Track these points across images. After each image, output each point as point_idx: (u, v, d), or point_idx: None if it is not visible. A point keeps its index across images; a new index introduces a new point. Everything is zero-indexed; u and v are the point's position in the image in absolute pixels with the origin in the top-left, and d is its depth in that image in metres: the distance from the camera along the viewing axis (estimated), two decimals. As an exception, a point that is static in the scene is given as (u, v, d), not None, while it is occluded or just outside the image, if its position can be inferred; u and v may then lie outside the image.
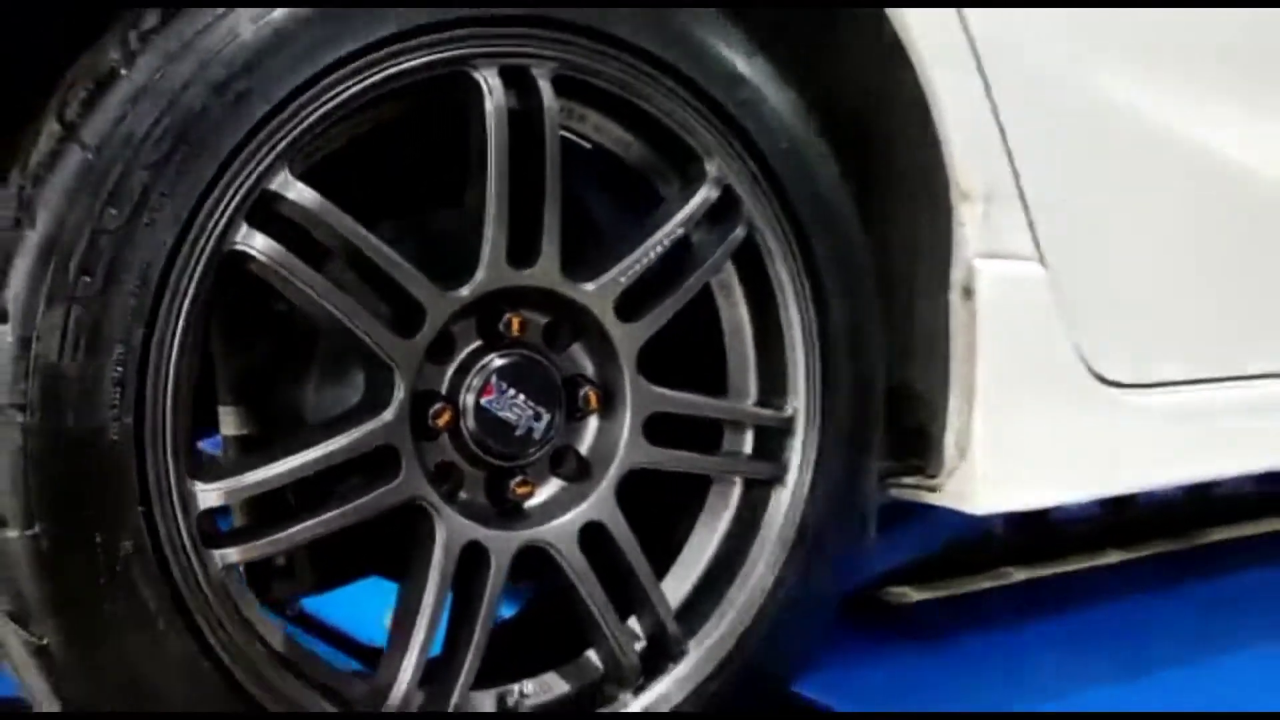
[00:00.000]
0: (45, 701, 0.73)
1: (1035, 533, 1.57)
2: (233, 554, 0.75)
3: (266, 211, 0.75)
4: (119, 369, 0.70)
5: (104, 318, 0.70)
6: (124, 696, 0.72)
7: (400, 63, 0.78)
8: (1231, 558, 1.71)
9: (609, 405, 0.90)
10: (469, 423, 0.84)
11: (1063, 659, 1.27)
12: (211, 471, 0.76)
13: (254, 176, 0.74)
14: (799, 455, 0.96)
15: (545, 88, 0.83)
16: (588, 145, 0.90)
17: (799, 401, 0.95)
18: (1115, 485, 1.12)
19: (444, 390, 0.84)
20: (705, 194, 0.90)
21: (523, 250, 0.84)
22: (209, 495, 0.75)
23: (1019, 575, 1.60)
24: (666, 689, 0.91)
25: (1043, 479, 1.07)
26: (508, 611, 1.04)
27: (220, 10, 0.73)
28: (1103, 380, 1.09)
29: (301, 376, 0.85)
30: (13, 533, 0.70)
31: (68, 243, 0.69)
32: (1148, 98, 1.12)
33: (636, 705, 0.90)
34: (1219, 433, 1.20)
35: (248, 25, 0.73)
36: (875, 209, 1.01)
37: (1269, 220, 1.24)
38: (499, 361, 0.85)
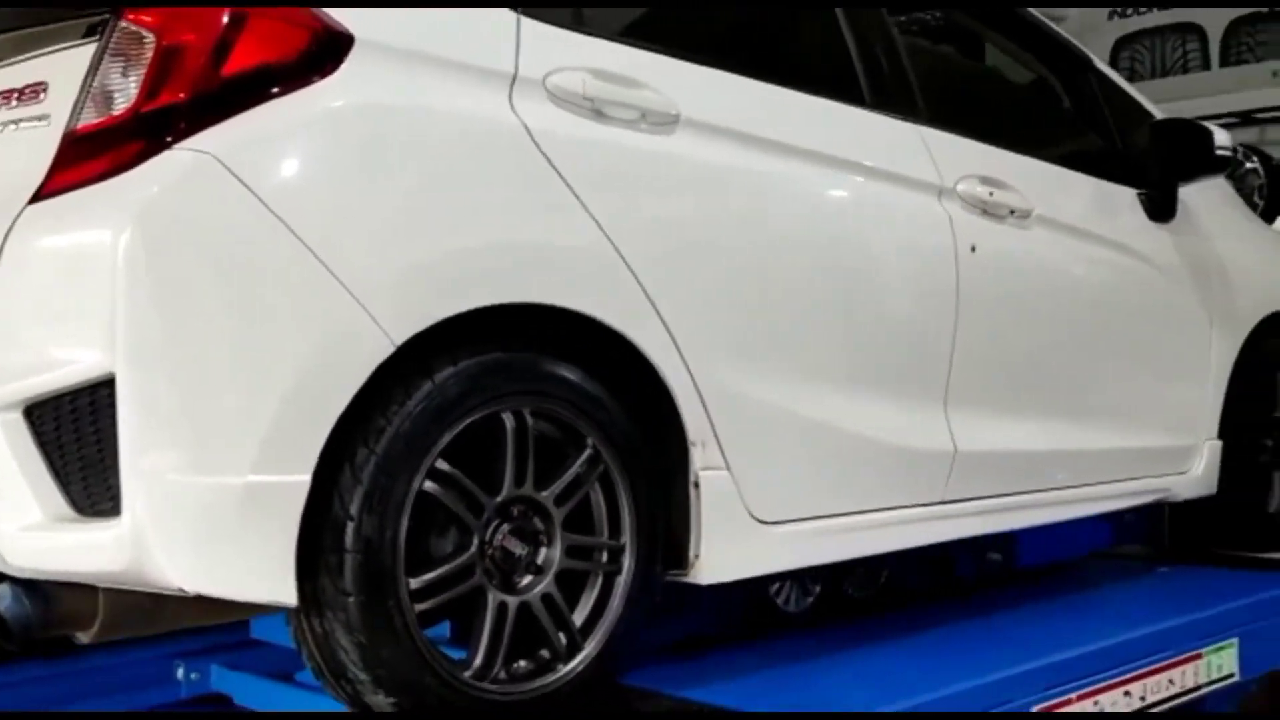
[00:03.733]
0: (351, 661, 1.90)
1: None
2: (420, 606, 1.95)
3: (434, 473, 1.97)
4: (394, 535, 1.89)
5: (383, 523, 1.89)
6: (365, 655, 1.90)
7: (475, 417, 2.00)
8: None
9: (550, 542, 2.13)
10: (498, 553, 2.06)
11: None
12: (412, 573, 1.95)
13: (432, 462, 1.95)
14: (628, 561, 2.20)
15: (528, 417, 2.08)
16: (535, 433, 2.15)
17: (626, 537, 2.21)
18: (767, 569, 2.42)
19: (489, 538, 2.06)
20: (588, 453, 2.15)
21: (519, 480, 2.07)
22: (412, 582, 1.94)
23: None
24: (579, 661, 2.13)
25: (734, 567, 2.36)
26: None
27: (407, 410, 1.94)
28: (758, 520, 2.39)
29: (427, 533, 2.05)
30: (353, 598, 1.87)
31: (366, 512, 1.89)
32: (784, 392, 2.44)
33: (568, 669, 2.12)
34: (821, 540, 2.52)
35: (421, 407, 1.95)
36: (660, 447, 2.29)
37: (855, 451, 2.57)
38: (508, 526, 2.07)
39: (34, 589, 1.96)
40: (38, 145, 1.85)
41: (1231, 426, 3.52)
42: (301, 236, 1.80)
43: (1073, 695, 2.54)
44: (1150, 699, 2.73)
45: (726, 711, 2.21)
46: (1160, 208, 3.35)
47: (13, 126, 1.91)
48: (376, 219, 1.89)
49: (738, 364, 2.36)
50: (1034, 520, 3.04)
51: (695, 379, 2.27)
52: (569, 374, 2.13)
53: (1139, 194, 3.34)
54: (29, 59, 1.94)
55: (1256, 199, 7.89)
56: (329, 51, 1.90)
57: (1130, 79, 9.34)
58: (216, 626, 2.98)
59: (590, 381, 2.16)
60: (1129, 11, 9.15)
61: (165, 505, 1.75)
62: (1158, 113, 3.52)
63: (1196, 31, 8.89)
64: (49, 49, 1.92)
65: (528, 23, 2.16)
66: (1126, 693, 2.67)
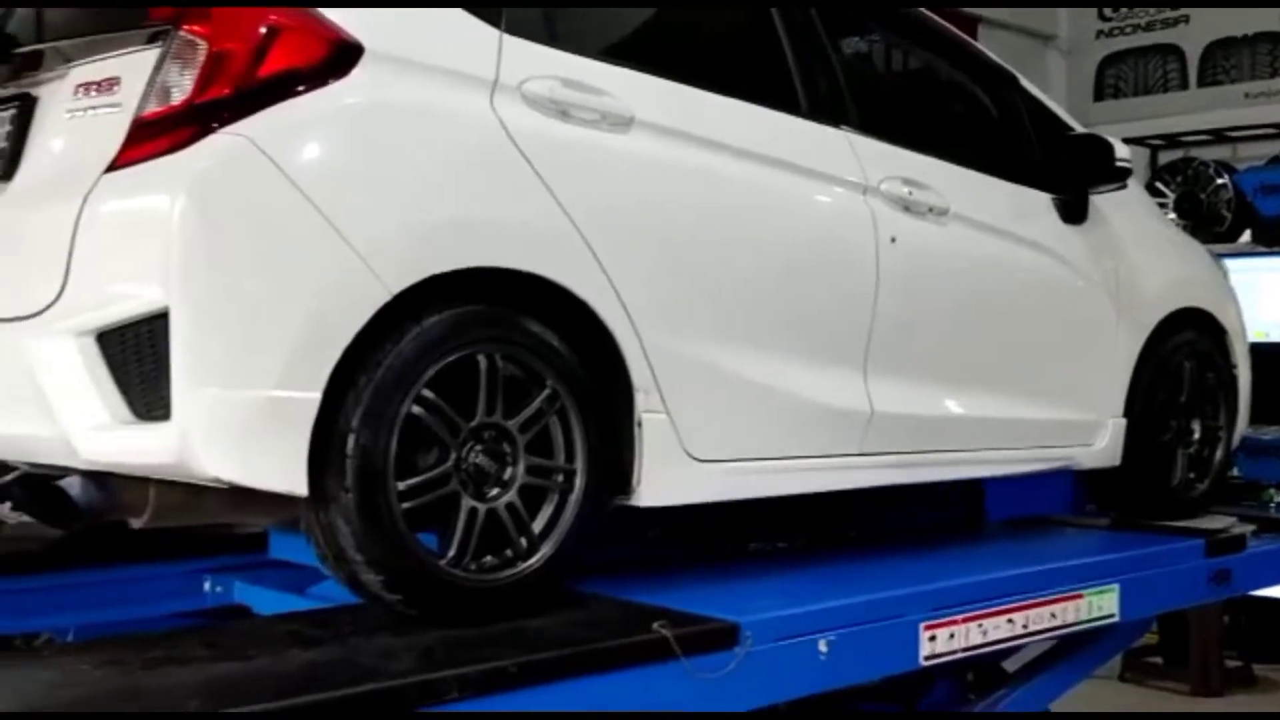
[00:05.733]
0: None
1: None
2: (407, 505, 2.43)
3: (420, 399, 2.44)
4: (386, 446, 2.37)
5: (377, 436, 2.37)
6: (359, 540, 2.38)
7: (454, 356, 2.47)
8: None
9: (514, 462, 2.60)
10: (471, 467, 2.53)
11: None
12: (400, 476, 2.42)
13: (418, 390, 2.43)
14: (579, 482, 2.67)
15: (498, 359, 2.55)
16: (505, 374, 2.62)
17: (579, 463, 2.68)
18: (696, 498, 2.89)
19: (464, 454, 2.53)
20: (547, 391, 2.62)
21: (489, 410, 2.55)
22: (400, 485, 2.42)
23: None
24: (536, 560, 2.61)
25: (670, 494, 2.84)
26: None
27: (399, 348, 2.41)
28: (692, 457, 2.86)
29: (414, 449, 2.52)
30: (351, 494, 2.35)
31: (364, 426, 2.37)
32: (718, 352, 2.91)
33: (526, 566, 2.60)
34: (747, 478, 3.00)
35: (411, 345, 2.43)
36: (610, 391, 2.76)
37: (781, 406, 3.04)
38: (480, 446, 2.55)
39: (99, 480, 2.44)
40: (111, 127, 2.34)
41: (1139, 408, 3.98)
42: (317, 204, 2.29)
43: (958, 617, 3.01)
44: (1032, 627, 3.20)
45: (649, 608, 2.67)
46: (1073, 211, 3.81)
47: (92, 112, 2.39)
48: (379, 194, 2.38)
49: (679, 327, 2.83)
50: (945, 475, 3.52)
51: (640, 337, 2.74)
52: (534, 327, 2.60)
53: (1054, 199, 3.80)
54: (106, 58, 2.42)
55: (1225, 212, 8.35)
56: (344, 58, 2.38)
57: (1115, 96, 9.84)
58: (239, 547, 3.49)
59: (552, 334, 2.63)
60: (1114, 32, 9.61)
61: (207, 412, 2.24)
62: (1078, 127, 3.98)
63: (1176, 53, 9.35)
64: (121, 51, 2.41)
65: (509, 39, 2.64)
66: (1010, 620, 3.13)
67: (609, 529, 2.83)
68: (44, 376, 2.32)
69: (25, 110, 2.51)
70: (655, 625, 2.48)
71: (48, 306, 2.32)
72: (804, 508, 3.42)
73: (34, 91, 2.53)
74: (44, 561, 3.31)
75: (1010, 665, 3.72)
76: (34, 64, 2.56)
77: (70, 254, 2.30)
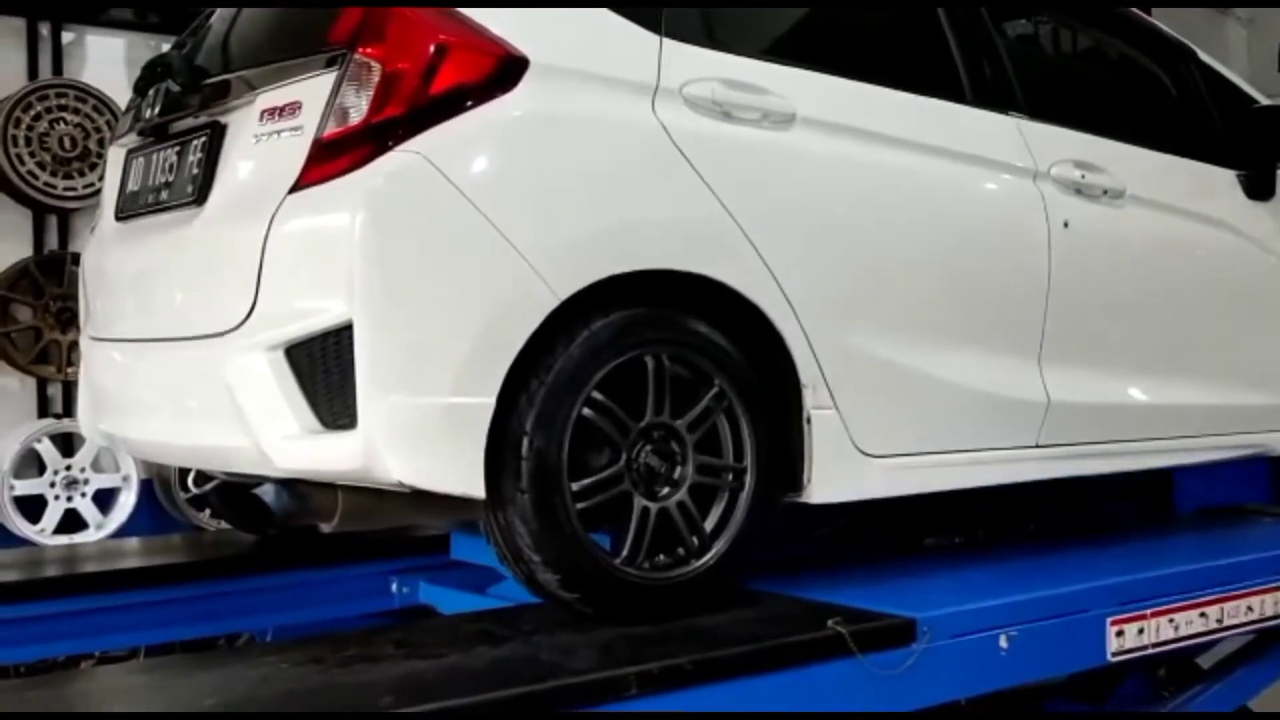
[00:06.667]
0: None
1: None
2: (581, 505, 2.48)
3: (591, 401, 2.49)
4: (559, 448, 2.43)
5: (550, 438, 2.43)
6: (536, 539, 2.44)
7: (622, 360, 2.51)
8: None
9: (684, 461, 2.63)
10: (642, 467, 2.57)
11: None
12: (573, 477, 2.48)
13: (588, 392, 2.48)
14: (749, 480, 2.68)
15: (665, 360, 2.58)
16: (672, 374, 2.65)
17: (748, 461, 2.69)
18: (868, 494, 2.87)
19: (634, 454, 2.57)
20: (715, 390, 2.64)
21: (658, 410, 2.59)
22: (574, 486, 2.47)
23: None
24: (708, 558, 2.63)
25: (840, 491, 2.82)
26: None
27: (569, 352, 2.47)
28: (863, 453, 2.84)
29: (586, 450, 2.57)
30: (527, 495, 2.41)
31: (537, 429, 2.42)
32: (887, 345, 2.89)
33: (699, 564, 2.62)
34: (919, 473, 2.96)
35: (580, 349, 2.48)
36: (778, 388, 2.76)
37: (954, 399, 3.00)
38: (649, 446, 2.58)
39: (291, 487, 2.56)
40: (294, 150, 2.45)
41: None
42: (487, 215, 2.35)
43: (1148, 611, 2.91)
44: (1227, 621, 3.07)
45: (822, 605, 2.66)
46: (1259, 187, 3.66)
47: (277, 136, 2.51)
48: (545, 202, 2.43)
49: (845, 321, 2.82)
50: (1128, 466, 3.40)
51: (807, 333, 2.74)
52: (700, 327, 2.63)
53: (1239, 175, 3.65)
54: (288, 84, 2.54)
55: None
56: (510, 72, 2.44)
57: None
58: (423, 549, 3.62)
59: (718, 333, 2.65)
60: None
61: (390, 420, 2.32)
62: (1263, 100, 3.81)
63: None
64: (302, 76, 2.52)
65: (669, 42, 2.67)
66: (1203, 614, 3.01)
67: (779, 527, 2.83)
68: (238, 390, 2.44)
69: (216, 137, 2.65)
70: (830, 622, 2.48)
71: (240, 323, 2.44)
72: (980, 502, 3.36)
73: (223, 119, 2.66)
74: (241, 566, 3.49)
75: (1205, 661, 3.57)
76: (222, 93, 2.70)
77: (260, 273, 2.42)
